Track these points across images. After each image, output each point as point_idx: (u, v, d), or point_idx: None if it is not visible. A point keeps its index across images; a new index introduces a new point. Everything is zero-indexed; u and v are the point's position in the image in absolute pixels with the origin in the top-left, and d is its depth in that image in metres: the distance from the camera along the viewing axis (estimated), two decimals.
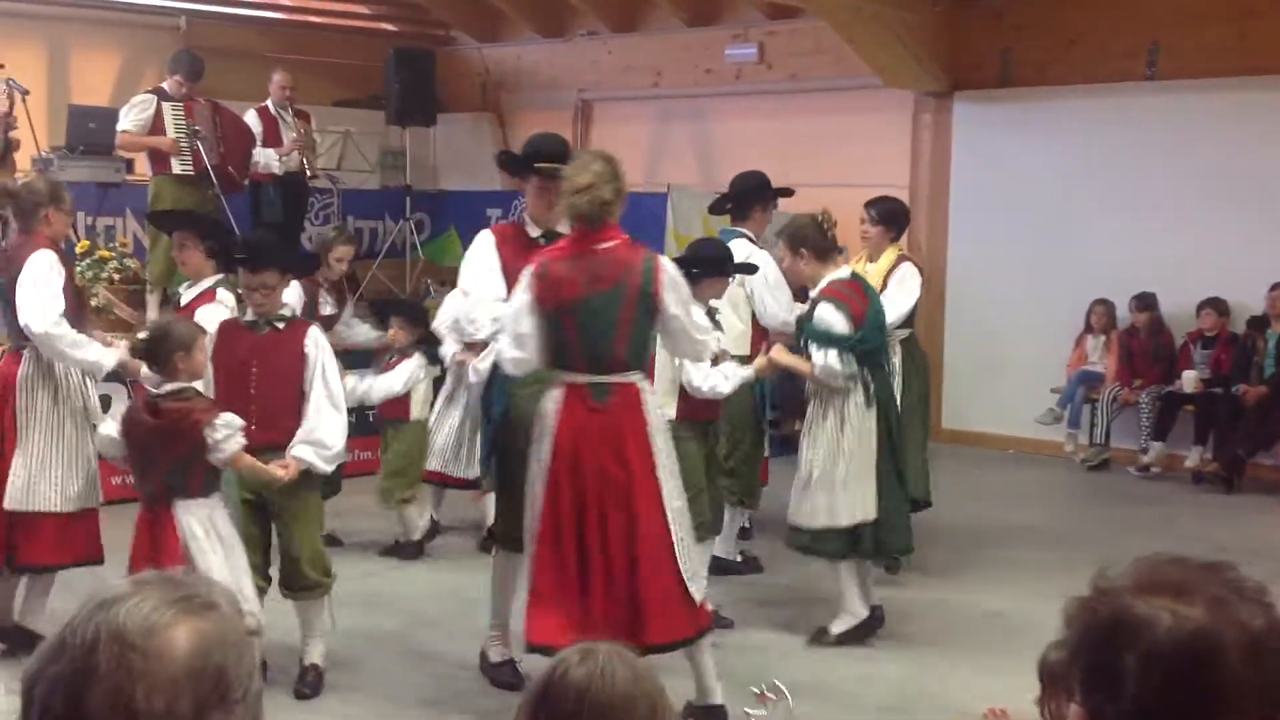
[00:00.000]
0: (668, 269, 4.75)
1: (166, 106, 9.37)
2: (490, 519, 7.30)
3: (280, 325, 5.20)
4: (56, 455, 5.42)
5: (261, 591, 5.07)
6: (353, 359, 7.07)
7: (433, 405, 7.36)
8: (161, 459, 4.71)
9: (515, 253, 5.07)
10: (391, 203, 12.32)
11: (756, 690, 4.89)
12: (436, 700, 5.25)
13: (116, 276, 9.29)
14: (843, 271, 5.92)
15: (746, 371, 5.57)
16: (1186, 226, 9.97)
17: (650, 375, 5.04)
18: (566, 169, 4.76)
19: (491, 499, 7.31)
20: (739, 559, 7.01)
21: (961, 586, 6.88)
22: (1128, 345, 10.22)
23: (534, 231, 5.22)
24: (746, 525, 7.25)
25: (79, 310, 5.55)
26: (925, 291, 7.36)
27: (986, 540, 7.84)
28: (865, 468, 5.74)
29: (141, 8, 12.37)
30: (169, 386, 4.72)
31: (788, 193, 7.10)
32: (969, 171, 11.13)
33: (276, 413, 5.03)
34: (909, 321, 7.07)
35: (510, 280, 4.93)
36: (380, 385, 6.68)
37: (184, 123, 9.35)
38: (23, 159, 9.39)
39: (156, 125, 9.35)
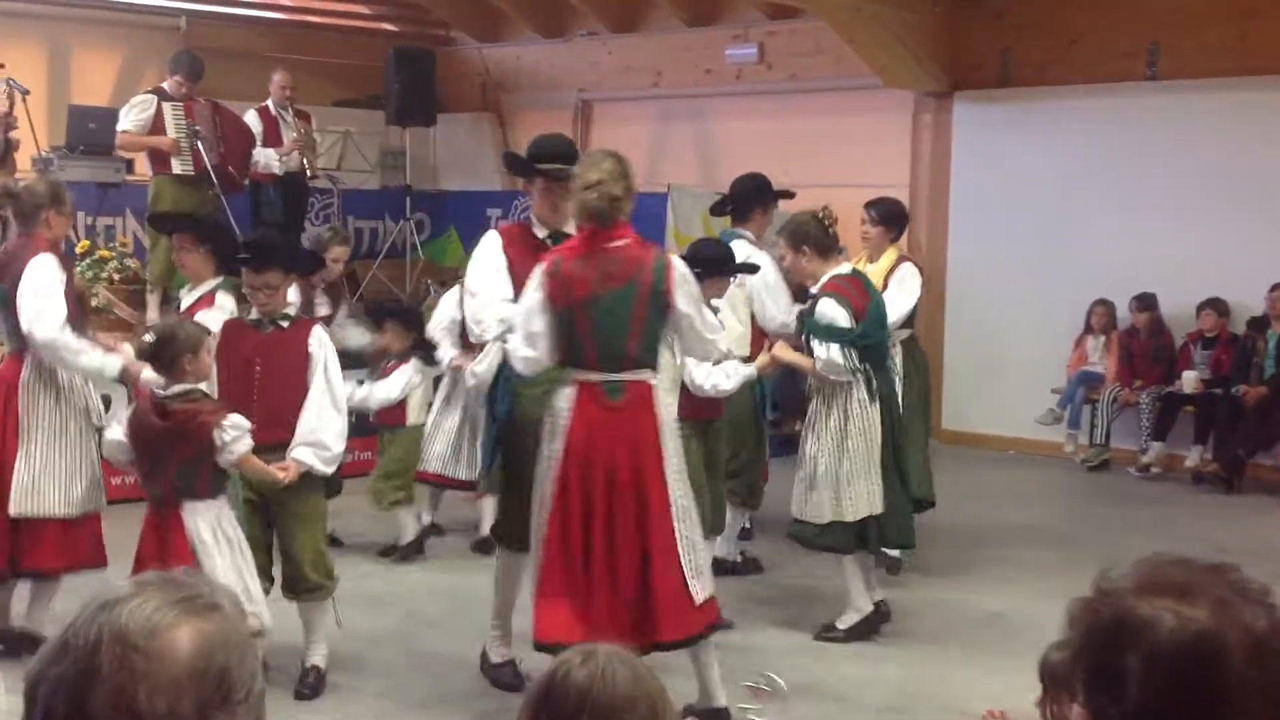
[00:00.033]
0: (679, 268, 4.79)
1: (167, 106, 9.37)
2: (486, 521, 7.34)
3: (284, 324, 5.20)
4: (60, 458, 5.41)
5: (264, 593, 5.06)
6: (346, 361, 7.05)
7: (430, 406, 7.36)
8: (170, 461, 4.71)
9: (522, 253, 5.07)
10: (391, 203, 12.33)
11: (749, 684, 4.91)
12: (436, 701, 5.24)
13: (116, 276, 9.29)
14: (844, 268, 5.95)
15: (749, 369, 5.58)
16: (1187, 227, 9.97)
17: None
18: (576, 167, 4.79)
19: (488, 501, 7.35)
20: (739, 559, 7.02)
21: (961, 587, 6.88)
22: (1128, 346, 10.22)
23: (541, 232, 5.22)
24: (747, 526, 7.25)
25: (79, 314, 5.54)
26: (925, 292, 7.36)
27: (986, 541, 7.84)
28: (871, 463, 5.78)
29: (141, 8, 12.37)
30: (176, 388, 4.72)
31: (788, 195, 7.12)
32: (969, 172, 11.13)
33: (280, 412, 5.02)
34: (909, 322, 7.07)
35: (517, 281, 4.94)
36: (378, 393, 6.67)
37: (184, 123, 9.35)
38: (23, 159, 9.38)
39: (157, 125, 9.35)
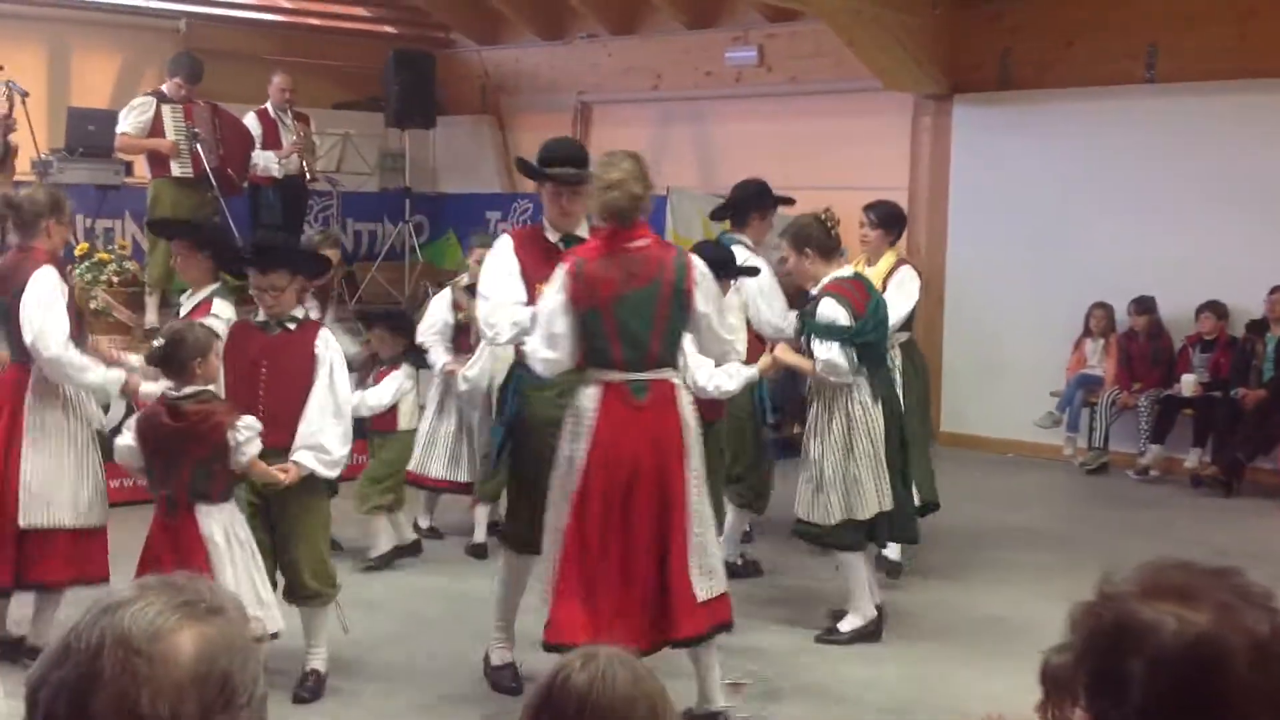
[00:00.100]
0: (699, 266, 4.84)
1: (166, 109, 9.37)
2: (480, 528, 7.32)
3: (291, 326, 5.19)
4: (69, 468, 5.37)
5: None
6: None
7: (421, 411, 7.34)
8: (184, 462, 4.71)
9: (534, 257, 5.07)
10: (391, 205, 12.33)
11: (729, 681, 4.93)
12: (436, 704, 5.24)
13: (115, 279, 9.27)
14: (845, 270, 5.98)
15: (751, 370, 5.57)
16: (1186, 229, 9.97)
17: None
18: (594, 168, 4.83)
19: (481, 509, 7.34)
20: (739, 562, 7.01)
21: (961, 589, 6.88)
22: (1127, 348, 10.22)
23: (553, 236, 5.22)
24: (748, 529, 7.24)
25: (79, 326, 5.52)
26: (924, 294, 7.37)
27: (986, 543, 7.84)
28: (878, 462, 5.83)
29: (141, 10, 12.37)
30: (187, 389, 4.73)
31: (788, 201, 7.12)
32: (968, 174, 11.13)
33: (286, 414, 5.00)
34: (908, 324, 7.08)
35: (529, 284, 4.96)
36: (370, 400, 6.68)
37: (183, 125, 9.35)
38: (22, 161, 9.38)
39: (156, 128, 9.35)
